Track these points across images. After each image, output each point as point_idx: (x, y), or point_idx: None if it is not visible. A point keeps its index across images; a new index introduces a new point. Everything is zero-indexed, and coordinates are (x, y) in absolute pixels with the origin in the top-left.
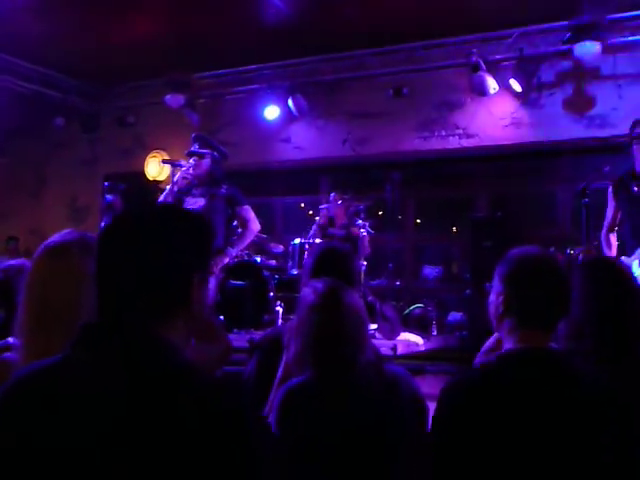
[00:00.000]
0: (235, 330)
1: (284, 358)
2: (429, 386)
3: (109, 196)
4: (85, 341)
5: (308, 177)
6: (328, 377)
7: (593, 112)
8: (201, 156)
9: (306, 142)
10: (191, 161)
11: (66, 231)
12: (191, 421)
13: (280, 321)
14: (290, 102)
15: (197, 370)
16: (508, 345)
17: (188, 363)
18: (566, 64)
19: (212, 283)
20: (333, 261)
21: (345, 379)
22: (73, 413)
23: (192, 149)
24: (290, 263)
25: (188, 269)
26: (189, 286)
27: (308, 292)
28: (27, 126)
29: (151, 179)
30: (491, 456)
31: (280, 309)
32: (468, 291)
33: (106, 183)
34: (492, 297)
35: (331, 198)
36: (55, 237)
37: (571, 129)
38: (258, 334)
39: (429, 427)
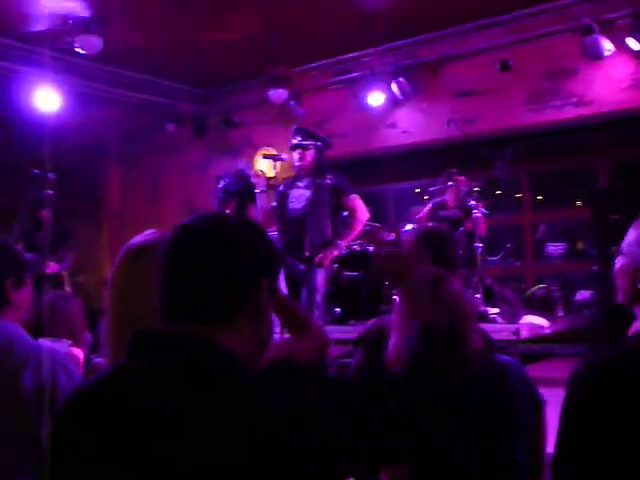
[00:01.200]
0: (352, 322)
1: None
2: (557, 370)
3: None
4: (143, 350)
5: (417, 161)
6: (433, 371)
7: None
8: (305, 148)
9: (412, 126)
10: (295, 154)
11: (148, 232)
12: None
13: None
14: (393, 86)
15: (256, 385)
16: None
17: (249, 376)
18: None
19: (322, 276)
20: (431, 245)
21: (452, 372)
22: (132, 425)
23: (295, 142)
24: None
25: (253, 277)
26: (255, 293)
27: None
28: (141, 135)
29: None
30: (632, 449)
31: (397, 298)
32: (595, 267)
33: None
34: (624, 263)
35: (442, 180)
36: (137, 238)
37: None
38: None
39: (544, 417)
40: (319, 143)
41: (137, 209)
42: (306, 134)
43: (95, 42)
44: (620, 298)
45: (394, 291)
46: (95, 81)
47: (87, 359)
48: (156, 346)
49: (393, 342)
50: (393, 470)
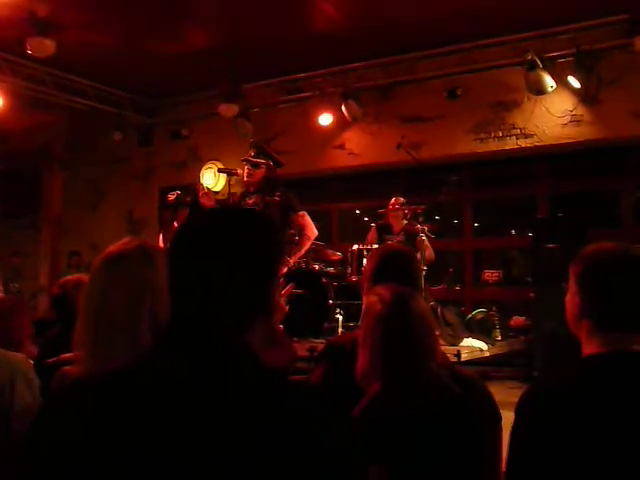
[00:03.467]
0: (295, 339)
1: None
2: (494, 393)
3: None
4: (171, 347)
5: (364, 183)
6: (403, 387)
7: None
8: (256, 166)
9: (360, 148)
10: (246, 169)
11: (124, 240)
12: (286, 429)
13: (341, 329)
14: (343, 108)
15: (285, 378)
16: (589, 349)
17: (276, 371)
18: (626, 58)
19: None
20: (396, 265)
21: (421, 386)
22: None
23: (247, 157)
24: (349, 269)
25: (267, 273)
26: (269, 290)
27: (374, 301)
28: (85, 141)
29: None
30: (579, 467)
31: (340, 317)
32: (531, 294)
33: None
34: (568, 297)
35: (388, 203)
36: (113, 246)
37: (633, 125)
38: (318, 342)
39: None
40: (270, 163)
41: (77, 216)
42: (260, 151)
43: (48, 45)
44: (570, 327)
45: (338, 310)
46: (43, 85)
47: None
48: (182, 344)
49: (362, 360)
50: (371, 470)
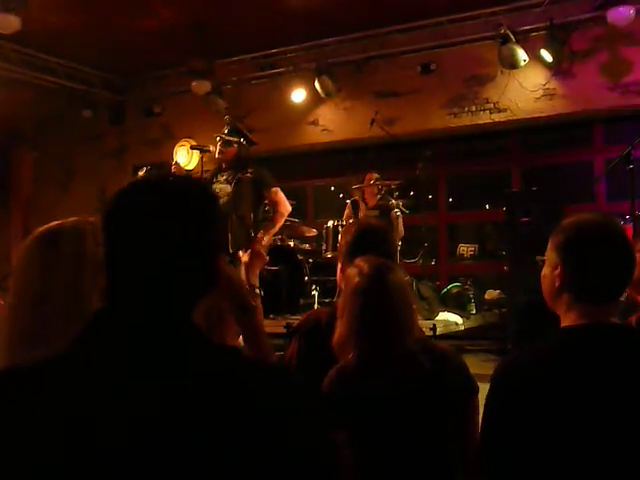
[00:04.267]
0: (271, 316)
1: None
2: (470, 365)
3: None
4: (108, 331)
5: (338, 159)
6: (377, 359)
7: (629, 79)
8: (228, 143)
9: (334, 124)
10: (218, 146)
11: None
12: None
13: (317, 305)
14: (316, 84)
15: (238, 355)
16: (567, 321)
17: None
18: (598, 31)
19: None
20: (371, 239)
21: (395, 359)
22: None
23: (221, 135)
24: (324, 246)
25: (209, 245)
26: (212, 264)
27: (353, 273)
28: (55, 120)
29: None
30: (554, 439)
31: (316, 293)
32: (505, 268)
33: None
34: (546, 270)
35: (363, 179)
36: (51, 224)
37: (606, 98)
38: (294, 319)
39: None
40: (243, 141)
41: (49, 195)
42: (233, 129)
43: (13, 21)
44: (546, 300)
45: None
46: (10, 63)
47: None
48: (121, 324)
49: (339, 331)
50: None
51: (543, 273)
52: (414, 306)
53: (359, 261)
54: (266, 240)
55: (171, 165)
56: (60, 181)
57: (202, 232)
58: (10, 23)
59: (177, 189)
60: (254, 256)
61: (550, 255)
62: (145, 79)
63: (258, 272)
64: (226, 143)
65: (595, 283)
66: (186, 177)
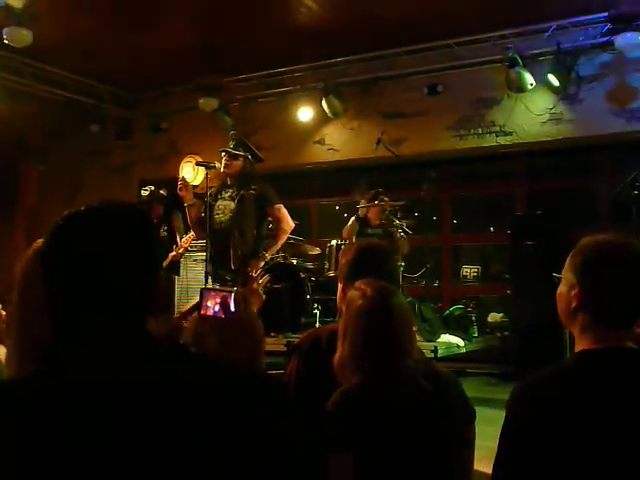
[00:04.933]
0: (272, 334)
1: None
2: (470, 388)
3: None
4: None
5: (343, 178)
6: (381, 381)
7: (635, 105)
8: (234, 157)
9: (340, 143)
10: (224, 160)
11: None
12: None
13: (318, 324)
14: (323, 103)
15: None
16: (583, 345)
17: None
18: (606, 57)
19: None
20: (372, 260)
21: (396, 381)
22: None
23: (226, 149)
24: (327, 265)
25: (144, 272)
26: (148, 289)
27: (356, 295)
28: (62, 133)
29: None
30: (572, 465)
31: (318, 312)
32: (509, 291)
33: (146, 189)
34: (562, 289)
35: (367, 199)
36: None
37: (612, 123)
38: (295, 337)
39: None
40: (249, 156)
41: (55, 208)
42: (240, 143)
43: (25, 35)
44: (561, 319)
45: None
46: (19, 75)
47: None
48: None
49: (341, 352)
50: (338, 458)
51: (559, 291)
52: (415, 328)
53: (361, 284)
54: (268, 256)
55: (178, 181)
56: (66, 194)
57: (139, 255)
58: (23, 37)
59: (109, 219)
60: (251, 295)
61: (567, 275)
62: (153, 95)
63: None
64: (232, 156)
65: (613, 306)
66: (123, 205)
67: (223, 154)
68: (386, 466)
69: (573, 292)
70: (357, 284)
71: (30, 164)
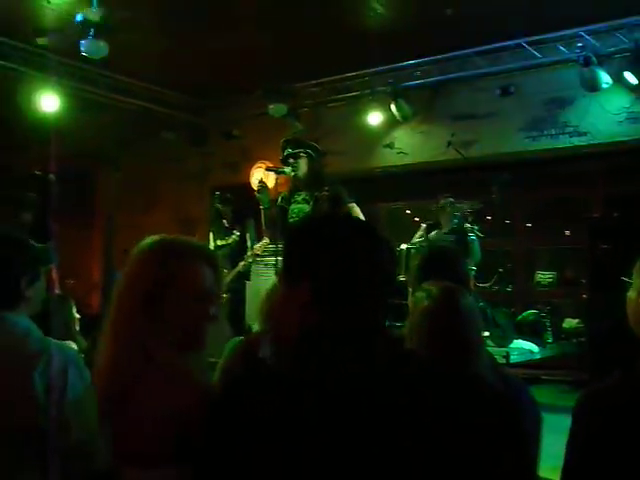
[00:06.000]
0: None
1: None
2: (544, 395)
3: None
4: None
5: (413, 182)
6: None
7: None
8: (297, 155)
9: (409, 146)
10: (289, 166)
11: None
12: None
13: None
14: (393, 107)
15: None
16: None
17: None
18: None
19: None
20: (442, 263)
21: (463, 386)
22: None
23: (286, 152)
24: (397, 269)
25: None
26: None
27: (422, 296)
28: (137, 142)
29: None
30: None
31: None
32: (585, 296)
33: (220, 194)
34: (632, 294)
35: (437, 202)
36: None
37: None
38: None
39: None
40: (309, 151)
41: (130, 216)
42: (296, 144)
43: (101, 47)
44: (635, 328)
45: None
46: (95, 86)
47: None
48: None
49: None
50: None
51: (629, 296)
52: (487, 333)
53: (428, 285)
54: None
55: (256, 184)
56: (141, 202)
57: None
58: (99, 49)
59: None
60: None
61: (637, 280)
62: (225, 102)
63: None
64: (295, 156)
65: None
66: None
67: (285, 160)
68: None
69: None
70: (424, 285)
71: (106, 172)
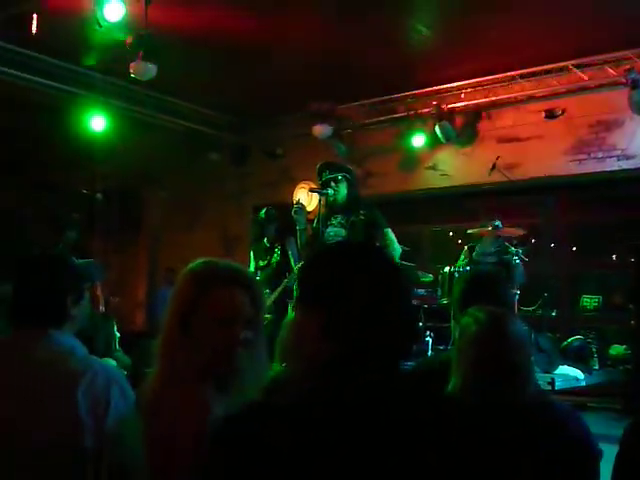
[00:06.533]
0: None
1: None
2: (591, 424)
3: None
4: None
5: (455, 204)
6: (495, 411)
7: None
8: (336, 180)
9: (452, 168)
10: (329, 189)
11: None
12: None
13: (430, 352)
14: (437, 129)
15: None
16: None
17: None
18: None
19: None
20: (485, 287)
21: (512, 413)
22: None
23: (325, 176)
24: (440, 291)
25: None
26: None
27: (469, 322)
28: (182, 161)
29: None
30: None
31: (430, 339)
32: (633, 322)
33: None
34: None
35: (482, 225)
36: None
37: None
38: (407, 365)
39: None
40: (347, 175)
41: (174, 235)
42: (333, 168)
43: (150, 68)
44: None
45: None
46: (143, 107)
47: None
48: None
49: (455, 381)
50: None
51: None
52: (532, 358)
53: (475, 310)
54: None
55: (294, 205)
56: (185, 220)
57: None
58: (148, 71)
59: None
60: None
61: None
62: (268, 122)
63: None
64: (335, 179)
65: None
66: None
67: (326, 184)
68: None
69: None
70: (470, 310)
71: (152, 191)
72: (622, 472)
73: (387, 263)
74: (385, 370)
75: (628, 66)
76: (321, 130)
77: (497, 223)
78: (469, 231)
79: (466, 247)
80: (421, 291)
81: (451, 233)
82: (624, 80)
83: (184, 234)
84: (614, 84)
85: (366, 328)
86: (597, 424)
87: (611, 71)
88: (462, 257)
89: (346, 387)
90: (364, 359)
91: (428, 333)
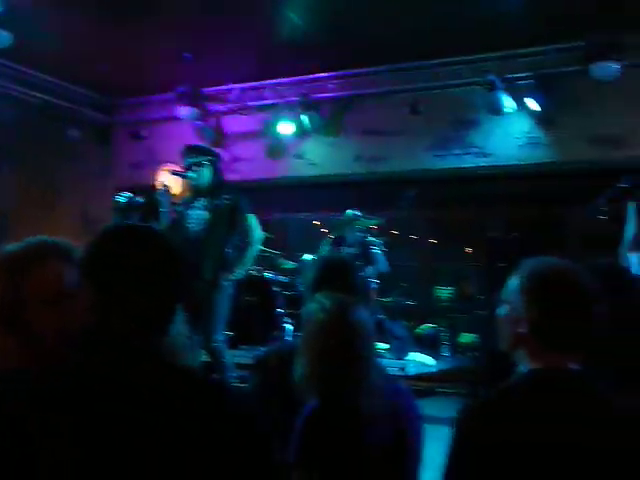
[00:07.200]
0: (243, 346)
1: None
2: (439, 408)
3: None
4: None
5: (321, 193)
6: (337, 398)
7: (610, 132)
8: (200, 164)
9: (319, 158)
10: (192, 173)
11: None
12: None
13: (290, 338)
14: (303, 118)
15: None
16: (527, 367)
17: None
18: (583, 83)
19: (222, 298)
20: (335, 273)
21: (354, 399)
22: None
23: (189, 160)
24: (300, 279)
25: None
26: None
27: (315, 309)
28: (39, 137)
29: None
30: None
31: (289, 326)
32: (482, 312)
33: (124, 196)
34: (505, 312)
35: (344, 215)
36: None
37: (586, 150)
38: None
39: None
40: (211, 158)
41: (30, 213)
42: (198, 151)
43: (4, 37)
44: (502, 344)
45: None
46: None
47: None
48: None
49: (301, 368)
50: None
51: (501, 314)
52: (387, 346)
53: (321, 297)
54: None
55: (157, 189)
56: (43, 199)
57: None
58: (2, 39)
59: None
60: None
61: (513, 297)
62: (133, 102)
63: None
64: (199, 164)
65: (561, 330)
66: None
67: (188, 167)
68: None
69: (519, 316)
70: (317, 297)
71: (4, 167)
72: (464, 457)
73: (159, 246)
74: (139, 343)
75: (486, 68)
76: (186, 112)
77: (359, 213)
78: (332, 220)
79: (328, 236)
80: (282, 278)
81: (316, 222)
82: (481, 82)
83: (41, 213)
84: (472, 84)
85: (125, 303)
86: (444, 408)
87: (469, 72)
88: (324, 246)
89: (90, 358)
90: (115, 333)
91: (288, 320)
